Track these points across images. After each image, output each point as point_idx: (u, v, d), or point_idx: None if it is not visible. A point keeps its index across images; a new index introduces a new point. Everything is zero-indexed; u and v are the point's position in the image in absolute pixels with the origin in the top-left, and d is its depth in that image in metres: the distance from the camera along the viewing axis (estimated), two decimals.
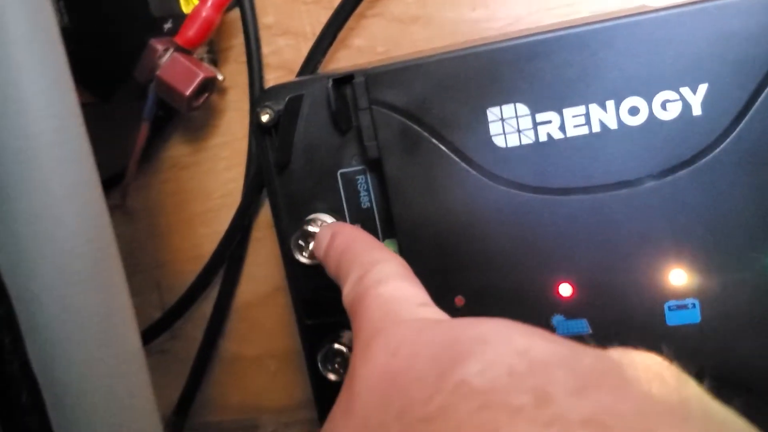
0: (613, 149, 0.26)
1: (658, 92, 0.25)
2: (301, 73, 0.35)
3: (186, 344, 0.41)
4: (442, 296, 0.28)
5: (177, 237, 0.40)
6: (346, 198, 0.31)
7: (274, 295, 0.39)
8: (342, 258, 0.25)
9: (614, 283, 0.27)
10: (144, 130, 0.35)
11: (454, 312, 0.29)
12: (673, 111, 0.25)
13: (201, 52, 0.36)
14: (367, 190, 0.30)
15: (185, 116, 0.39)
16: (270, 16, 0.37)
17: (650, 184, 0.26)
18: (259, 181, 0.37)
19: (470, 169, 0.27)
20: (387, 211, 0.30)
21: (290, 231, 0.31)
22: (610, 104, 0.26)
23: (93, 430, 0.19)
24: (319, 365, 0.32)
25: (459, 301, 0.29)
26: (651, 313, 0.27)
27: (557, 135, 0.26)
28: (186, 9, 0.35)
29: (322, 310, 0.32)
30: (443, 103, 0.27)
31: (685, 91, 0.25)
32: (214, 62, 0.37)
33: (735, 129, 0.25)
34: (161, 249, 0.41)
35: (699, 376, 0.14)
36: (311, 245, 0.30)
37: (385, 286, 0.21)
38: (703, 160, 0.25)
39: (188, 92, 0.33)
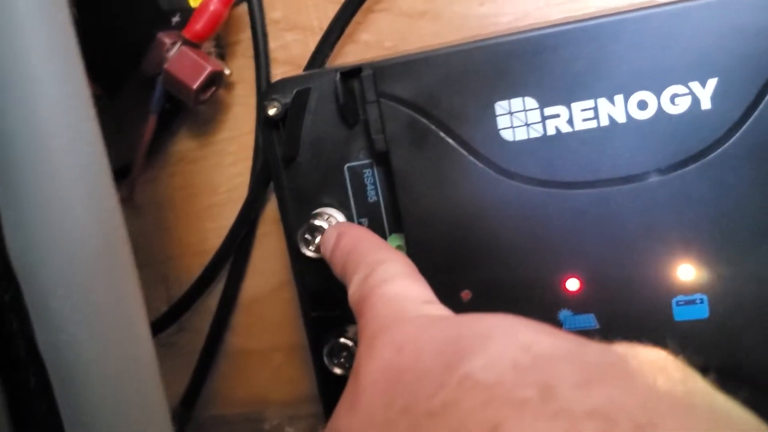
0: (622, 143, 0.26)
1: (667, 86, 0.25)
2: (308, 67, 0.35)
3: (192, 338, 0.41)
4: (449, 290, 0.28)
5: (183, 231, 0.40)
6: (352, 192, 0.31)
7: (279, 289, 0.39)
8: (348, 258, 0.25)
9: (622, 278, 0.27)
10: (151, 123, 0.36)
11: (460, 306, 0.29)
12: (682, 105, 0.25)
13: (208, 46, 0.36)
14: (374, 184, 0.30)
15: (192, 110, 0.39)
16: (277, 10, 0.37)
17: (658, 178, 0.26)
18: (265, 176, 0.37)
19: (478, 163, 0.27)
20: (394, 205, 0.30)
21: (297, 225, 0.31)
22: (619, 98, 0.26)
23: (100, 414, 0.19)
24: (325, 359, 0.32)
25: (465, 295, 0.29)
26: (659, 309, 0.27)
27: (565, 129, 0.26)
28: (194, 3, 0.35)
29: (327, 303, 0.32)
30: (451, 96, 0.27)
31: (695, 85, 0.25)
32: (222, 57, 0.37)
33: (744, 123, 0.25)
34: (168, 243, 0.41)
35: (704, 370, 0.14)
36: (317, 239, 0.30)
37: (390, 284, 0.22)
38: (712, 155, 0.25)
39: (196, 85, 0.33)
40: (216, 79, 0.35)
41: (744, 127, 0.25)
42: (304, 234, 0.31)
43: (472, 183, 0.27)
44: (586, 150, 0.26)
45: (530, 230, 0.27)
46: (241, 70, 0.37)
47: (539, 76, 0.26)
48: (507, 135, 0.27)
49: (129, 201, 0.40)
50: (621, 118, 0.26)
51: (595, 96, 0.26)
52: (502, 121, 0.27)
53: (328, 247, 0.27)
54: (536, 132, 0.27)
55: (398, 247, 0.30)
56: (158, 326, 0.40)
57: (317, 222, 0.30)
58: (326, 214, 0.31)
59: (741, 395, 0.13)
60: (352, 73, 0.29)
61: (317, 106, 0.30)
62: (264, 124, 0.31)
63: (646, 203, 0.26)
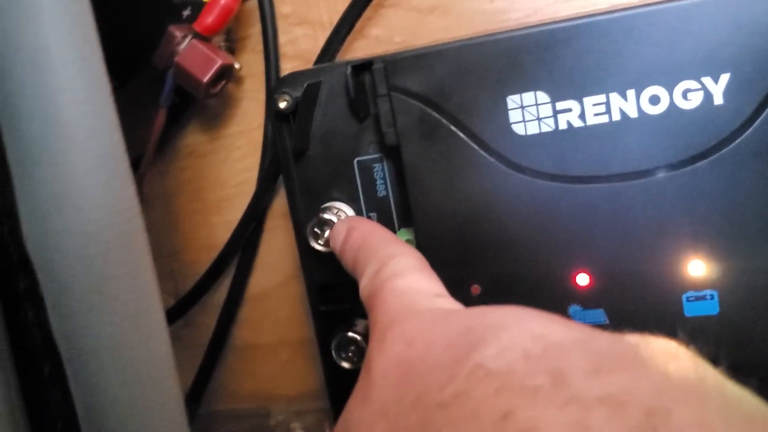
0: (633, 138, 0.26)
1: (679, 81, 0.25)
2: (317, 62, 0.35)
3: (199, 332, 0.41)
4: (458, 285, 0.28)
5: (192, 225, 0.40)
6: (362, 186, 0.31)
7: (286, 284, 0.39)
8: (359, 253, 0.25)
9: (632, 273, 0.27)
10: (161, 116, 0.36)
11: (469, 301, 0.29)
12: (695, 100, 0.25)
13: (218, 40, 0.36)
14: (384, 178, 0.30)
15: (202, 105, 0.39)
16: (287, 5, 0.37)
17: (670, 173, 0.26)
18: (273, 171, 0.37)
19: (489, 157, 0.27)
20: (403, 200, 0.30)
21: (306, 218, 0.31)
22: (631, 93, 0.26)
23: (115, 403, 0.19)
24: (333, 353, 0.32)
25: (475, 290, 0.29)
26: (669, 304, 0.27)
27: (577, 123, 0.26)
28: None
29: (336, 297, 0.32)
30: (463, 90, 0.27)
31: (707, 80, 0.25)
32: (231, 51, 0.37)
33: (757, 119, 0.25)
34: (176, 237, 0.41)
35: (714, 362, 0.14)
36: (326, 233, 0.30)
37: (401, 278, 0.22)
38: (724, 150, 0.25)
39: (206, 79, 0.33)
40: (226, 73, 0.35)
41: (756, 123, 0.25)
42: (314, 228, 0.31)
43: (483, 177, 0.27)
44: (597, 145, 0.26)
45: (540, 225, 0.27)
46: (250, 64, 0.37)
47: (551, 70, 0.26)
48: (518, 129, 0.27)
49: (138, 194, 0.40)
50: (633, 113, 0.26)
51: (607, 91, 0.26)
52: (513, 115, 0.27)
53: (338, 242, 0.27)
54: (548, 126, 0.27)
55: (407, 242, 0.30)
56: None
57: (326, 216, 0.30)
58: (335, 208, 0.31)
59: (752, 384, 0.13)
60: (363, 67, 0.29)
61: (328, 99, 0.30)
62: (274, 117, 0.31)
63: (657, 198, 0.26)
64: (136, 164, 0.38)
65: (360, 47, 0.36)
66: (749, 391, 0.13)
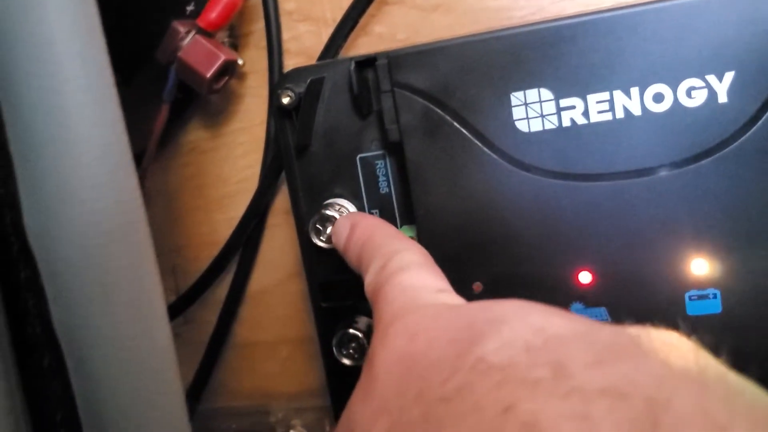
0: (637, 136, 0.26)
1: (683, 79, 0.25)
2: (321, 59, 0.35)
3: (199, 329, 0.41)
4: (460, 282, 0.28)
5: (193, 222, 0.40)
6: (364, 183, 0.31)
7: (287, 281, 0.39)
8: (363, 249, 0.25)
9: (635, 272, 0.27)
10: (164, 112, 0.36)
11: (472, 298, 0.29)
12: (699, 98, 0.25)
13: (221, 36, 0.36)
14: (386, 175, 0.30)
15: (204, 101, 0.39)
16: (291, 1, 0.37)
17: (673, 171, 0.26)
18: (275, 168, 0.37)
19: (492, 154, 0.27)
20: (405, 197, 0.30)
21: (308, 215, 0.31)
22: (635, 91, 0.26)
23: (114, 394, 0.19)
24: (334, 350, 0.32)
25: (477, 287, 0.29)
26: (671, 303, 0.27)
27: (581, 120, 0.26)
28: None
29: (337, 293, 0.32)
30: (466, 86, 0.27)
31: (711, 78, 0.25)
32: (235, 47, 0.37)
33: (761, 117, 0.25)
34: (177, 233, 0.41)
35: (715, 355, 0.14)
36: (329, 229, 0.30)
37: (405, 274, 0.22)
38: (728, 149, 0.25)
39: (209, 74, 0.33)
40: (229, 69, 0.35)
41: (760, 121, 0.25)
42: (316, 224, 0.31)
43: (486, 174, 0.27)
44: (601, 142, 0.26)
45: (543, 222, 0.27)
46: (253, 61, 0.37)
47: (555, 67, 0.26)
48: (522, 126, 0.27)
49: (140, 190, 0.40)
50: (637, 111, 0.26)
51: (611, 88, 0.26)
52: (517, 112, 0.27)
53: (342, 238, 0.27)
54: (551, 123, 0.27)
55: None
56: None
57: (329, 212, 0.30)
58: (338, 204, 0.31)
59: (751, 373, 0.13)
60: (366, 63, 0.29)
61: (331, 95, 0.30)
62: (277, 113, 0.31)
63: (660, 196, 0.26)
64: (138, 160, 0.38)
65: (363, 44, 0.36)
66: (751, 382, 0.13)
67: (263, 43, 0.37)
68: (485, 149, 0.27)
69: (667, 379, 0.12)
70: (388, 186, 0.30)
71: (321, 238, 0.31)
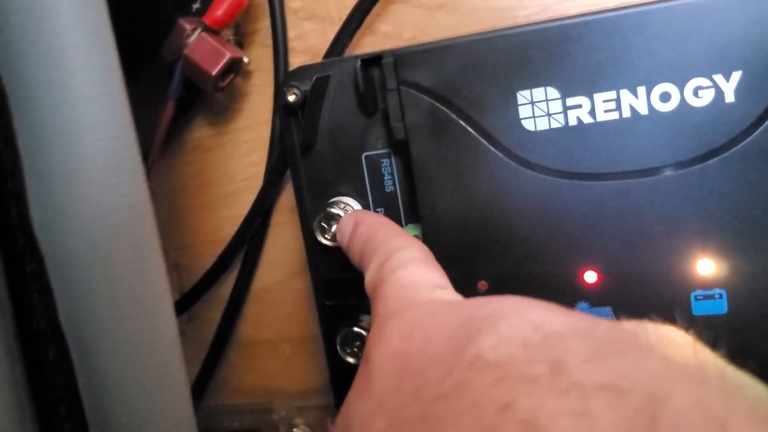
0: (644, 135, 0.26)
1: (690, 79, 0.25)
2: (326, 57, 0.35)
3: (203, 327, 0.41)
4: (465, 280, 0.28)
5: (198, 219, 0.40)
6: (369, 181, 0.31)
7: (291, 280, 0.39)
8: (365, 246, 0.25)
9: (640, 271, 0.27)
10: (169, 110, 0.36)
11: (476, 296, 0.29)
12: (706, 98, 0.25)
13: (227, 34, 0.36)
14: (391, 173, 0.30)
15: (209, 99, 0.39)
16: (297, 0, 0.37)
17: (680, 171, 0.26)
18: (280, 166, 0.37)
19: (498, 152, 0.27)
20: (410, 195, 0.30)
21: (313, 213, 0.31)
22: (642, 90, 0.26)
23: (119, 388, 0.19)
24: (338, 348, 0.32)
25: (482, 285, 0.29)
26: (677, 302, 0.27)
27: (587, 119, 0.26)
28: None
29: (342, 291, 0.32)
30: (473, 85, 0.27)
31: (719, 78, 0.25)
32: (240, 45, 0.37)
33: None
34: (182, 231, 0.41)
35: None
36: (334, 227, 0.30)
37: (404, 270, 0.22)
38: (735, 148, 0.25)
39: (215, 72, 0.33)
40: (235, 67, 0.35)
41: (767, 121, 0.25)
42: (320, 222, 0.31)
43: (492, 173, 0.27)
44: (607, 141, 0.26)
45: (549, 221, 0.27)
46: (259, 59, 0.37)
47: (562, 66, 0.26)
48: (528, 125, 0.27)
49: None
50: (643, 110, 0.26)
51: (617, 87, 0.26)
52: (523, 111, 0.27)
53: (346, 235, 0.27)
54: (557, 122, 0.26)
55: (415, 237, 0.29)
56: None
57: (334, 210, 0.30)
58: (343, 202, 0.31)
59: (750, 367, 0.13)
60: (372, 61, 0.29)
61: (336, 94, 0.30)
62: (282, 111, 0.31)
63: (666, 196, 0.26)
64: (142, 157, 0.38)
65: (369, 43, 0.36)
66: (749, 376, 0.13)
67: (269, 41, 0.37)
68: (491, 148, 0.27)
69: (665, 375, 0.12)
70: (394, 184, 0.30)
71: (326, 236, 0.31)
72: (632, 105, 0.26)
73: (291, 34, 0.37)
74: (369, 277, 0.23)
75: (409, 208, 0.30)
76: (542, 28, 0.26)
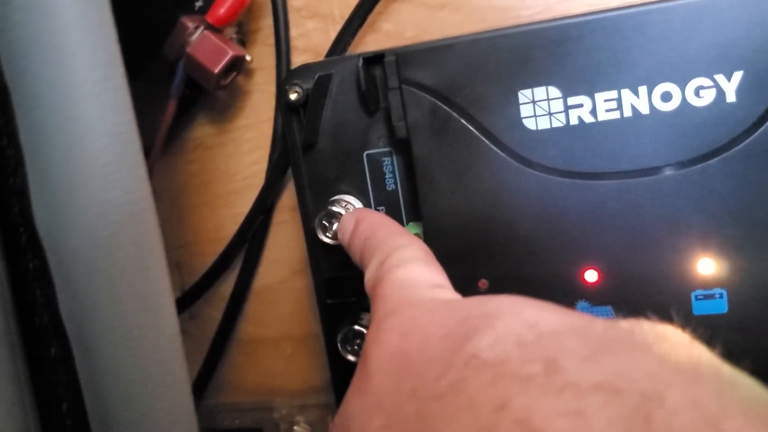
0: (645, 135, 0.26)
1: (691, 78, 0.25)
2: (329, 56, 0.35)
3: (204, 325, 0.41)
4: (466, 279, 0.28)
5: (199, 218, 0.40)
6: (371, 179, 0.31)
7: (292, 278, 0.39)
8: (366, 244, 0.25)
9: (641, 271, 0.27)
10: (171, 108, 0.36)
11: (477, 295, 0.29)
12: (707, 98, 0.25)
13: (230, 32, 0.36)
14: (393, 172, 0.30)
15: (211, 97, 0.39)
16: None
17: (681, 171, 0.26)
18: (282, 164, 0.37)
19: (499, 151, 0.27)
20: (412, 194, 0.30)
21: (315, 211, 0.31)
22: (643, 89, 0.26)
23: (121, 384, 0.19)
24: (339, 346, 0.32)
25: (483, 284, 0.29)
26: (677, 302, 0.27)
27: (588, 119, 0.26)
28: None
29: (343, 290, 0.32)
30: (474, 83, 0.27)
31: (720, 77, 0.25)
32: (243, 43, 0.37)
33: None
34: (183, 229, 0.41)
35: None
36: (335, 225, 0.30)
37: (403, 269, 0.22)
38: (736, 148, 0.25)
39: (217, 70, 0.33)
40: (237, 65, 0.35)
41: None
42: (322, 220, 0.31)
43: (493, 172, 0.27)
44: (608, 141, 0.26)
45: (550, 220, 0.27)
46: (261, 57, 0.38)
47: (563, 65, 0.26)
48: (529, 124, 0.27)
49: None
50: (644, 110, 0.26)
51: (618, 87, 0.26)
52: (525, 110, 0.27)
53: (346, 233, 0.27)
54: (559, 122, 0.26)
55: (415, 236, 0.29)
56: None
57: (335, 209, 0.30)
58: (344, 201, 0.31)
59: (745, 365, 0.13)
60: (374, 59, 0.29)
61: (338, 92, 0.30)
62: (284, 109, 0.31)
63: (667, 196, 0.26)
64: (144, 155, 0.38)
65: (371, 42, 0.36)
66: (744, 374, 0.13)
67: (271, 39, 0.37)
68: (492, 147, 0.27)
69: (660, 373, 0.12)
70: (395, 183, 0.30)
71: (327, 234, 0.31)
72: (633, 104, 0.26)
73: (293, 32, 0.37)
74: (369, 276, 0.23)
75: (410, 207, 0.30)
76: (544, 28, 0.26)
